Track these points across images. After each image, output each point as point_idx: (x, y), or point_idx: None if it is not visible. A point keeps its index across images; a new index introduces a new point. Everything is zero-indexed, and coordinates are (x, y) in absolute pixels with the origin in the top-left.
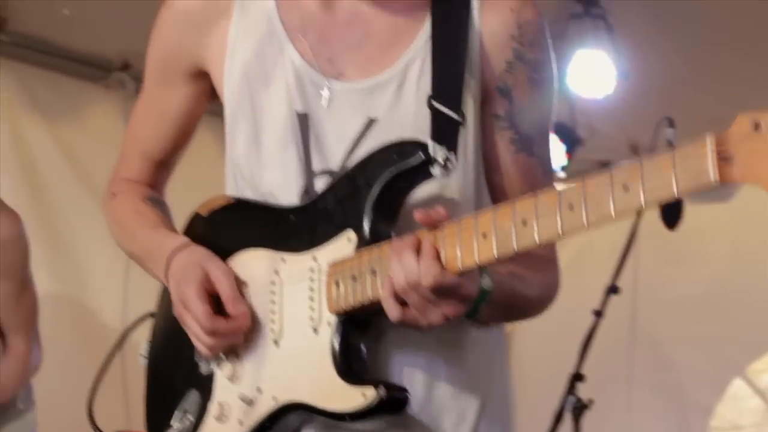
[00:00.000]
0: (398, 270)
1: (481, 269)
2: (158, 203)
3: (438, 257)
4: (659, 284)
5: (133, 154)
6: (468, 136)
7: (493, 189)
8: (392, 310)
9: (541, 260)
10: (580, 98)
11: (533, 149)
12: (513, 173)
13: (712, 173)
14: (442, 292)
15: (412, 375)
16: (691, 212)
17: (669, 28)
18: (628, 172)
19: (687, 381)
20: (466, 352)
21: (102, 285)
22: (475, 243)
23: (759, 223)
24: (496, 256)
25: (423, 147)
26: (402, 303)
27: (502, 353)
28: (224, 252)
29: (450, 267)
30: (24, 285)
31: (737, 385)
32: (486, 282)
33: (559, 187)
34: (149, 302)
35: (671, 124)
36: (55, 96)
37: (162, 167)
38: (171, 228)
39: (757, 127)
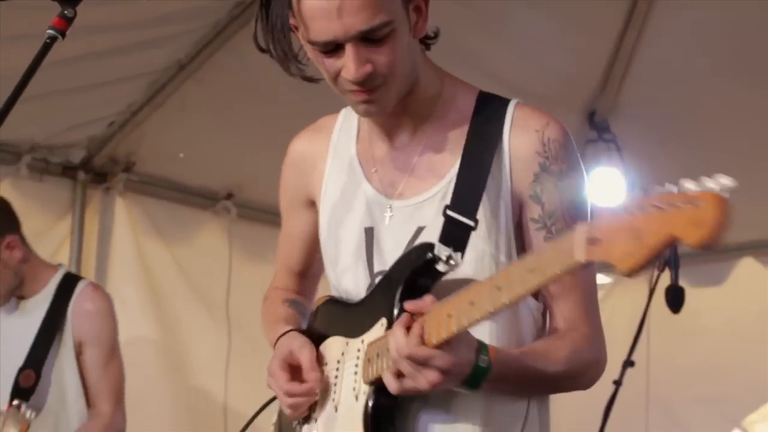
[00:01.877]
0: (392, 344)
1: (480, 349)
2: (294, 303)
3: (420, 334)
4: (668, 355)
5: (280, 268)
6: (495, 236)
7: None
8: (389, 381)
9: (573, 337)
10: (597, 207)
11: None
12: None
13: (580, 253)
14: (419, 361)
15: None
16: (691, 294)
17: (666, 147)
18: (533, 260)
19: None
20: (492, 412)
21: (206, 371)
22: (443, 321)
23: (749, 302)
24: (455, 331)
25: (430, 248)
26: (400, 375)
27: (540, 416)
28: (322, 337)
29: (427, 342)
30: (111, 354)
31: None
32: (483, 360)
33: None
34: (245, 384)
35: None
36: (172, 221)
37: (303, 276)
38: (293, 322)
39: (615, 215)
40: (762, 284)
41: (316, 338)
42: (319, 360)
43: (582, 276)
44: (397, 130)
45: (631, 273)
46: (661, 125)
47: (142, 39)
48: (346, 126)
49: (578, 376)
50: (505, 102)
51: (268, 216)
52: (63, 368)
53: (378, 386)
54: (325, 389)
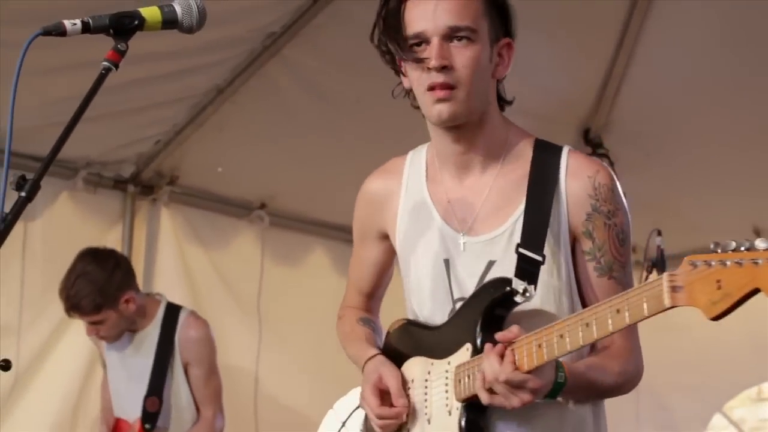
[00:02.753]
0: (487, 369)
1: (557, 366)
2: (367, 322)
3: (513, 361)
4: (656, 347)
5: (351, 289)
6: (557, 269)
7: (585, 302)
8: (483, 396)
9: (621, 352)
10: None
11: (612, 274)
12: (597, 291)
13: (667, 300)
14: (514, 385)
15: None
16: None
17: (654, 160)
18: (620, 301)
19: (679, 418)
20: (564, 420)
21: (239, 362)
22: (534, 351)
23: None
24: (546, 360)
25: (509, 282)
26: (492, 392)
27: (596, 419)
28: (401, 358)
29: (520, 367)
30: (211, 371)
31: (716, 418)
32: (561, 376)
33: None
34: (274, 374)
35: (660, 233)
36: (211, 229)
37: (371, 297)
38: (372, 341)
39: (694, 266)
40: None
41: (396, 357)
42: (404, 380)
43: None
44: (467, 169)
45: (718, 318)
46: (649, 141)
47: (184, 67)
48: (416, 166)
49: (625, 385)
50: (558, 149)
51: (297, 224)
52: (178, 387)
53: (469, 403)
54: (415, 405)
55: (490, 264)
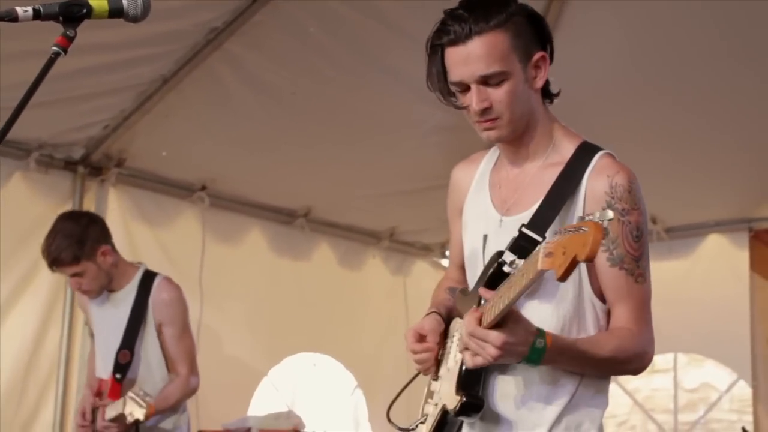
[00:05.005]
0: (464, 326)
1: (539, 333)
2: (452, 290)
3: (479, 317)
4: None
5: (450, 261)
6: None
7: (594, 289)
8: (464, 354)
9: (622, 332)
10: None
11: (623, 265)
12: (608, 280)
13: (540, 263)
14: (479, 338)
15: (506, 389)
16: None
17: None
18: (525, 267)
19: None
20: (554, 380)
21: None
22: (490, 309)
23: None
24: (497, 313)
25: (500, 254)
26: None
27: (593, 391)
28: (454, 317)
29: (483, 323)
30: (183, 330)
31: (611, 387)
32: (539, 342)
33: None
34: (213, 346)
35: None
36: (155, 209)
37: (462, 269)
38: (439, 304)
39: (559, 234)
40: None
41: (454, 317)
42: (447, 333)
43: (641, 288)
44: (517, 160)
45: (561, 279)
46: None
47: (132, 57)
48: (492, 157)
49: (624, 363)
50: (596, 150)
51: (236, 205)
52: (149, 345)
53: None
54: (446, 355)
55: (512, 240)
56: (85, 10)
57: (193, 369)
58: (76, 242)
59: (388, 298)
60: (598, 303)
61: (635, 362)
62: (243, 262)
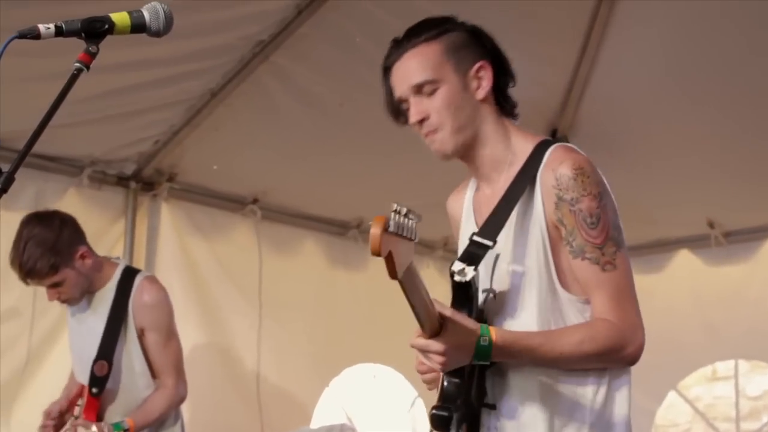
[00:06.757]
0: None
1: (482, 331)
2: None
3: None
4: None
5: None
6: (520, 257)
7: (567, 284)
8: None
9: (595, 323)
10: None
11: (585, 255)
12: (577, 273)
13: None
14: (422, 349)
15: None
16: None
17: (615, 158)
18: None
19: (637, 394)
20: (557, 386)
21: (241, 346)
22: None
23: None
24: (418, 320)
25: (451, 264)
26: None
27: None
28: None
29: (421, 334)
30: (169, 336)
31: (672, 396)
32: (483, 339)
33: None
34: (273, 356)
35: None
36: (208, 222)
37: None
38: None
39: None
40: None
41: None
42: None
43: (611, 275)
44: (485, 178)
45: (391, 277)
46: (612, 140)
47: (180, 72)
48: (475, 181)
49: (600, 354)
50: (549, 145)
51: (288, 218)
52: (130, 353)
53: None
54: None
55: (463, 249)
56: (107, 26)
57: (180, 377)
58: (51, 249)
59: None
60: (575, 301)
61: (613, 354)
62: (300, 273)
